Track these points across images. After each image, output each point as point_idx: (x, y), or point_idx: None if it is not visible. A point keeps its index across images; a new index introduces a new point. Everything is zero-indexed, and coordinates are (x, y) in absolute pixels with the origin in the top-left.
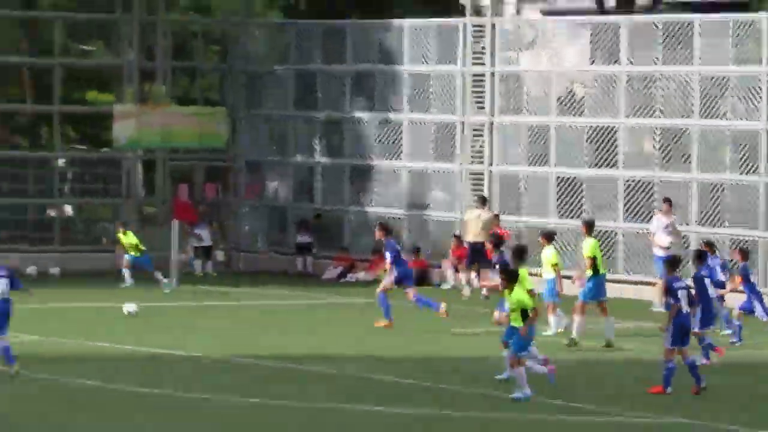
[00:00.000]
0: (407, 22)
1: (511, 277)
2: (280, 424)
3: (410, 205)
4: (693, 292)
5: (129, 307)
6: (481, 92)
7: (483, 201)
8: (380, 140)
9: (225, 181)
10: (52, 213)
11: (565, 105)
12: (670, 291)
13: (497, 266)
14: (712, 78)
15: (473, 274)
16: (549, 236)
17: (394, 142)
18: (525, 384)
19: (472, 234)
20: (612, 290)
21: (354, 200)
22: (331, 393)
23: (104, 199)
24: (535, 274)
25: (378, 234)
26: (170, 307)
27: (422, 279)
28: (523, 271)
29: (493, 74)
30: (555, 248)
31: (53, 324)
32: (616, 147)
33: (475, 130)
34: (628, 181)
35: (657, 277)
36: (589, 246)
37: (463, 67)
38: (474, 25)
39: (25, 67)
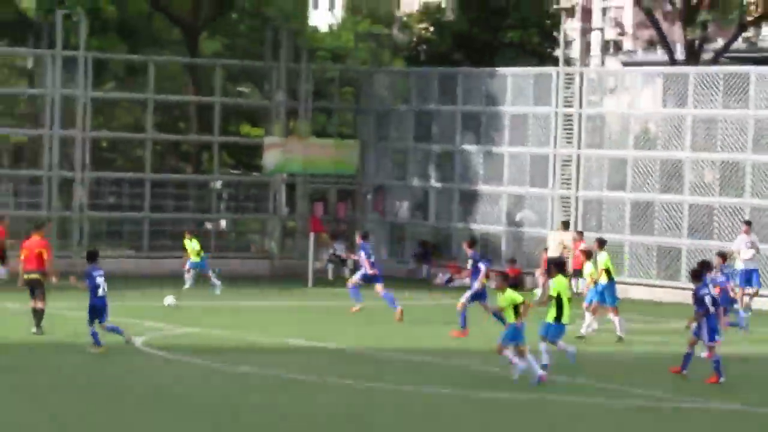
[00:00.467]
0: (509, 71)
1: (504, 280)
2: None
3: (508, 223)
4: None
5: (168, 300)
6: (570, 130)
7: (566, 225)
8: (484, 169)
9: (354, 201)
10: (209, 226)
11: (640, 141)
12: (696, 297)
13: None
14: (764, 120)
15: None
16: (602, 242)
17: (496, 171)
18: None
19: (552, 250)
20: (675, 296)
21: (461, 218)
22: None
23: (254, 214)
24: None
25: (465, 245)
26: (311, 306)
27: (517, 285)
28: (562, 280)
29: (580, 115)
30: (608, 254)
31: (211, 319)
32: (682, 177)
33: (564, 161)
34: (692, 205)
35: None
36: (603, 260)
37: (556, 108)
38: (565, 74)
39: (190, 105)
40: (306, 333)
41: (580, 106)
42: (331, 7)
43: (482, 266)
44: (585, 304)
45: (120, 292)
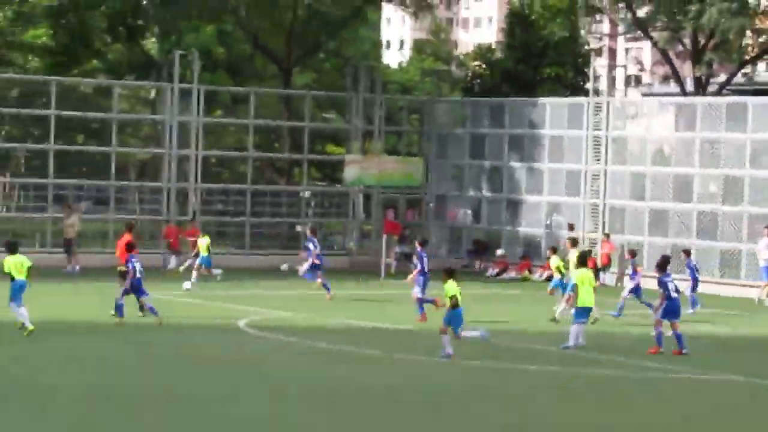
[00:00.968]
0: (548, 100)
1: (447, 273)
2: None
3: (547, 227)
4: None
5: (187, 285)
6: (599, 149)
7: (574, 243)
8: (527, 181)
9: (420, 209)
10: (298, 228)
11: (657, 159)
12: (660, 284)
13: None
14: (760, 141)
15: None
16: (574, 242)
17: (537, 183)
18: (449, 347)
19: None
20: (684, 287)
21: (508, 223)
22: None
23: (336, 219)
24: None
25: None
26: (382, 294)
27: (549, 279)
28: (587, 273)
29: (607, 137)
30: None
31: (300, 305)
32: (691, 189)
33: (593, 175)
34: (699, 212)
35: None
36: (574, 256)
37: (587, 131)
38: (594, 103)
39: (284, 129)
40: (377, 316)
41: (607, 129)
42: (401, 47)
43: (423, 260)
44: (549, 289)
45: (226, 282)
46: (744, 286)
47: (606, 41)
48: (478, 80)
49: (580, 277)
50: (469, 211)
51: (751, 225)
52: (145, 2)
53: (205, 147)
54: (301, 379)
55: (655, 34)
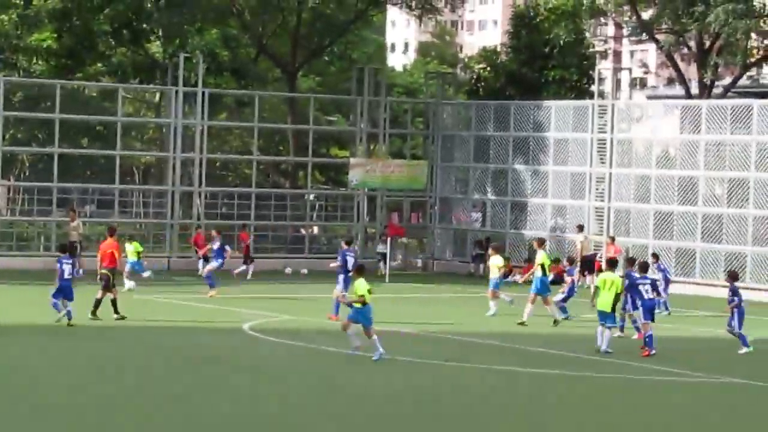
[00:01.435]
0: (553, 103)
1: (358, 271)
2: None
3: (551, 229)
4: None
5: (129, 285)
6: (604, 152)
7: (541, 243)
8: (532, 184)
9: (424, 211)
10: (303, 231)
11: (662, 161)
12: (633, 285)
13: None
14: (765, 143)
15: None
16: (542, 242)
17: (541, 186)
18: (356, 340)
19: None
20: (690, 289)
21: (513, 225)
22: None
23: (340, 222)
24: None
25: (536, 245)
26: (385, 297)
27: (559, 281)
28: (610, 277)
29: (612, 140)
30: (545, 252)
31: (300, 307)
32: (696, 191)
33: (598, 178)
34: (704, 215)
35: None
36: (541, 256)
37: (591, 134)
38: (599, 106)
39: (289, 132)
40: (382, 319)
41: (612, 132)
42: (405, 50)
43: (347, 259)
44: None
45: (229, 286)
46: (749, 288)
47: (611, 44)
48: (483, 83)
49: (603, 280)
50: (479, 215)
51: (756, 228)
52: (149, 5)
53: (210, 150)
54: (304, 381)
55: (660, 37)
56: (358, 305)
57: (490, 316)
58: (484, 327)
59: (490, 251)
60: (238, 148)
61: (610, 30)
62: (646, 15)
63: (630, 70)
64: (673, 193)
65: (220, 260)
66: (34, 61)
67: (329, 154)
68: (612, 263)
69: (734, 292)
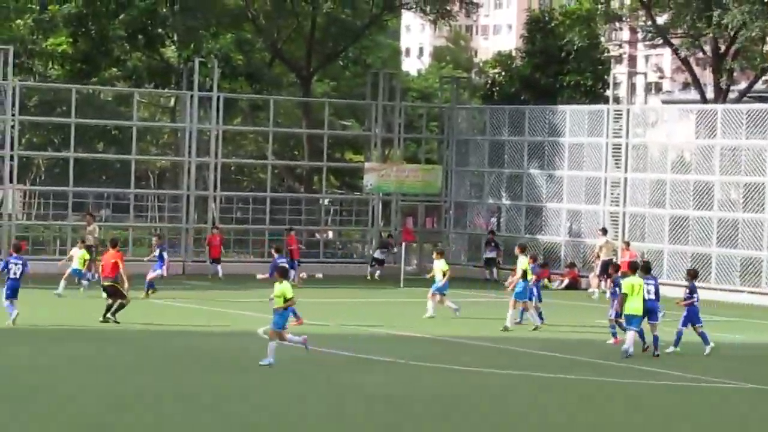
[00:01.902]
0: (568, 107)
1: (281, 273)
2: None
3: (571, 234)
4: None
5: (60, 289)
6: (619, 156)
7: (523, 249)
8: (547, 189)
9: (439, 216)
10: (317, 236)
11: (677, 166)
12: (616, 285)
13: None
14: None
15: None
16: (523, 248)
17: (556, 190)
18: (272, 353)
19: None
20: (706, 295)
21: (528, 230)
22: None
23: (355, 227)
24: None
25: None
26: (399, 302)
27: (574, 285)
28: (636, 281)
29: (627, 144)
30: (526, 257)
31: (317, 313)
32: (711, 196)
33: (613, 182)
34: (720, 219)
35: None
36: (522, 262)
37: (607, 139)
38: (614, 110)
39: (303, 136)
40: (393, 324)
41: (627, 137)
42: (420, 55)
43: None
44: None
45: (244, 291)
46: (765, 294)
47: (626, 48)
48: (498, 88)
49: (630, 285)
50: (495, 219)
51: None
52: (164, 10)
53: (225, 154)
54: (314, 384)
55: (675, 41)
56: (280, 308)
57: (427, 317)
58: (495, 333)
59: (516, 250)
60: (253, 153)
61: (625, 34)
62: (661, 19)
63: (645, 74)
64: (689, 197)
65: (159, 268)
66: (50, 65)
67: (344, 159)
68: (633, 267)
69: (692, 290)
